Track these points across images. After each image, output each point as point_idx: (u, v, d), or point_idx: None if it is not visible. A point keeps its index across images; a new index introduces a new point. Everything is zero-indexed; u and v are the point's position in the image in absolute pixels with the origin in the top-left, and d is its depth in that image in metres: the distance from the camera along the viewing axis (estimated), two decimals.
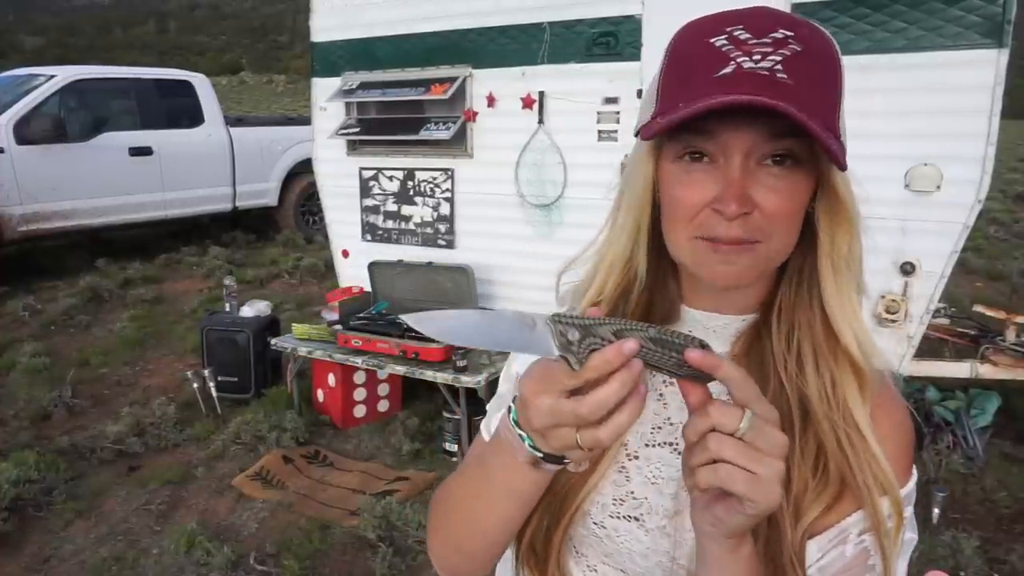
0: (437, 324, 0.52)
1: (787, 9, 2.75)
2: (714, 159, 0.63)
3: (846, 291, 0.67)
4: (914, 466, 0.71)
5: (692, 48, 0.63)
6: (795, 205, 0.64)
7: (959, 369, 3.18)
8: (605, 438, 0.55)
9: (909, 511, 0.68)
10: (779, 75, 0.58)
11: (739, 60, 0.59)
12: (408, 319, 0.54)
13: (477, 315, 0.51)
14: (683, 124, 0.61)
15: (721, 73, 0.59)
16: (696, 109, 0.58)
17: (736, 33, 0.61)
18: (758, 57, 0.59)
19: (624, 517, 0.71)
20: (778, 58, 0.59)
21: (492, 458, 0.66)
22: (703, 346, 0.54)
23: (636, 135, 0.67)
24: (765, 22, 0.61)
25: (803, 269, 0.69)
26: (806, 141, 0.60)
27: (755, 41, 0.60)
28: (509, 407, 0.62)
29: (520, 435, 0.60)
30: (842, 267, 0.66)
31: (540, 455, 0.60)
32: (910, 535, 0.68)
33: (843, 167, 0.61)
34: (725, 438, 0.53)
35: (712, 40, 0.61)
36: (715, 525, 0.57)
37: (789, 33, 0.60)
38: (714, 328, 0.74)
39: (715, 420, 0.53)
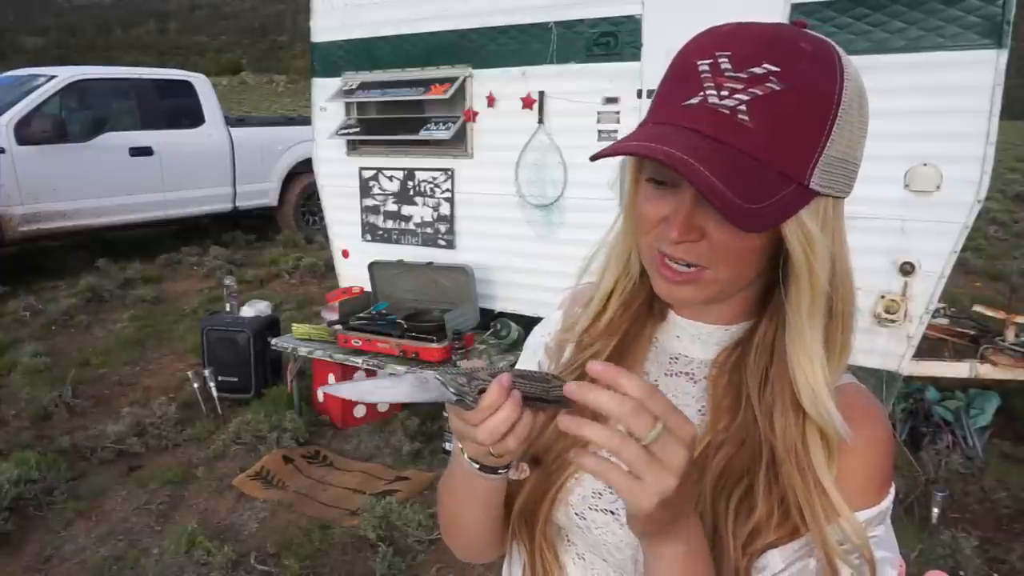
0: (357, 389, 0.63)
1: (786, 9, 2.77)
2: (676, 182, 0.64)
3: (801, 344, 0.64)
4: (892, 484, 0.69)
5: (683, 65, 0.63)
6: (743, 244, 0.62)
7: (959, 369, 3.18)
8: (499, 451, 0.63)
9: (882, 528, 0.67)
10: (740, 116, 0.58)
11: (707, 92, 0.60)
12: (329, 390, 0.66)
13: (386, 380, 0.62)
14: None
15: (687, 102, 0.61)
16: (615, 149, 0.61)
17: (720, 60, 0.60)
18: (725, 93, 0.59)
19: (602, 510, 0.73)
20: (745, 97, 0.58)
21: (454, 463, 0.74)
22: (556, 378, 0.62)
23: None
24: (753, 52, 0.59)
25: (780, 307, 0.67)
26: (765, 178, 0.59)
27: (731, 74, 0.59)
28: None
29: (461, 448, 0.68)
30: (799, 320, 0.64)
31: (476, 467, 0.67)
32: (883, 553, 0.66)
33: (751, 229, 0.58)
34: (629, 440, 0.53)
35: (698, 62, 0.61)
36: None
37: (775, 68, 0.58)
38: (699, 335, 0.75)
39: (627, 423, 0.53)
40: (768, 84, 0.58)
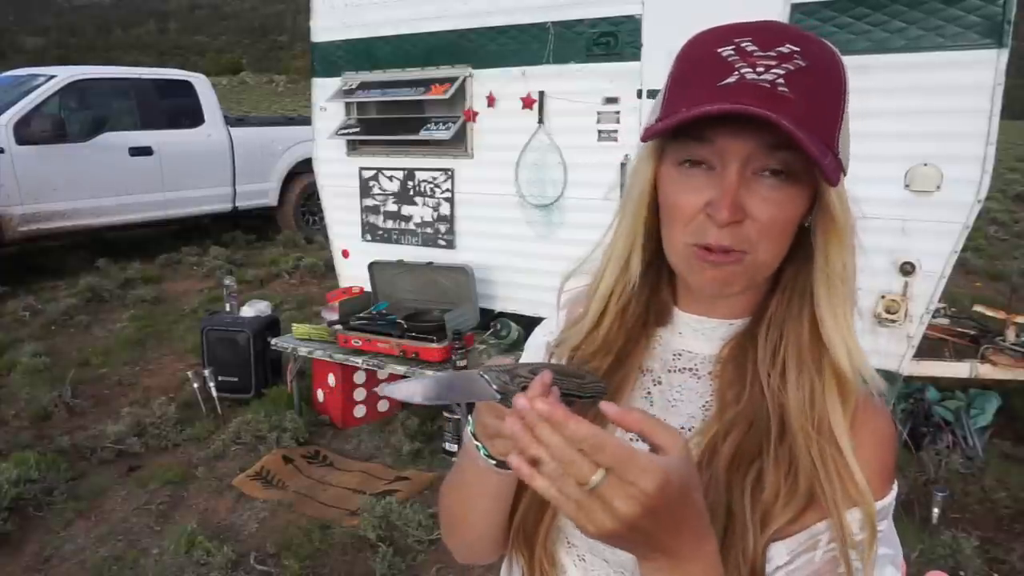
0: (404, 389, 0.64)
1: (786, 9, 2.77)
2: (712, 166, 0.64)
3: (840, 305, 0.67)
4: (895, 481, 0.70)
5: (700, 56, 0.65)
6: (787, 217, 0.65)
7: (959, 369, 3.18)
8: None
9: (885, 525, 0.68)
10: (780, 88, 0.60)
11: (743, 71, 0.61)
12: (382, 389, 0.73)
13: (431, 379, 0.62)
14: (684, 129, 0.63)
15: (724, 82, 0.61)
16: (692, 115, 0.60)
17: (743, 45, 0.62)
18: (761, 69, 0.61)
19: None
20: (781, 72, 0.60)
21: (464, 460, 0.75)
22: (591, 374, 0.65)
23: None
24: (773, 36, 0.63)
25: (796, 281, 0.70)
26: (803, 155, 0.60)
27: (760, 53, 0.61)
28: (469, 419, 0.70)
29: (477, 445, 0.69)
30: (836, 282, 0.67)
31: (493, 463, 0.68)
32: (884, 550, 0.67)
33: (833, 183, 0.61)
34: (569, 480, 0.51)
35: (719, 49, 0.63)
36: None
37: (796, 48, 0.62)
38: (703, 331, 0.75)
39: (568, 464, 0.51)
40: (795, 60, 0.61)
